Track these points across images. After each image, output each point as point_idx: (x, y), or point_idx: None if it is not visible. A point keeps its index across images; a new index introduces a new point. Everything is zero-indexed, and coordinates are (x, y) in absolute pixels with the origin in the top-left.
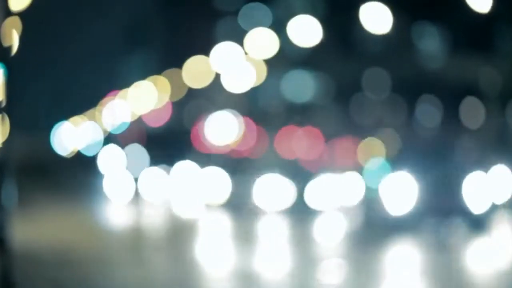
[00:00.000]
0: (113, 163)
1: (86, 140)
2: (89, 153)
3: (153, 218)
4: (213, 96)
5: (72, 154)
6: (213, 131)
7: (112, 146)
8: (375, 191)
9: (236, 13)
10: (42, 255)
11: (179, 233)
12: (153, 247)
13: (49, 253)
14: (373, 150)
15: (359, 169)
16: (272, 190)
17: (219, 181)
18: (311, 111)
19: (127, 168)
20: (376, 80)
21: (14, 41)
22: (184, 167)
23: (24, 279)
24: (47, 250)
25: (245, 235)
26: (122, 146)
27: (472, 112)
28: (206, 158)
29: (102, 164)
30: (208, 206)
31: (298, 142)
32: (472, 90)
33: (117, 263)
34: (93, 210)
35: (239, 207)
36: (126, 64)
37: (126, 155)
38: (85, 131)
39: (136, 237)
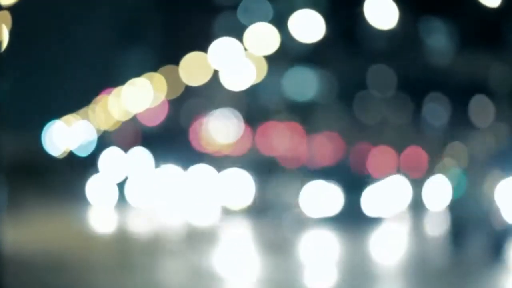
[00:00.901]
0: (115, 167)
1: (79, 140)
2: (82, 154)
3: (148, 222)
4: (211, 94)
5: (65, 155)
6: (211, 130)
7: (113, 149)
8: (462, 195)
9: (235, 7)
10: (34, 259)
11: (185, 240)
12: (147, 252)
13: (41, 257)
14: (457, 155)
15: (444, 172)
16: (318, 196)
17: (239, 184)
18: (313, 110)
19: (130, 171)
20: (381, 78)
21: (3, 36)
22: (197, 170)
23: (15, 284)
24: (39, 254)
25: (275, 244)
26: (125, 149)
27: (482, 110)
28: (205, 159)
29: (103, 167)
30: (227, 211)
31: (280, 138)
32: (481, 87)
33: (110, 268)
34: (86, 214)
35: (267, 212)
36: (120, 60)
37: (130, 158)
38: (78, 130)
39: (129, 242)
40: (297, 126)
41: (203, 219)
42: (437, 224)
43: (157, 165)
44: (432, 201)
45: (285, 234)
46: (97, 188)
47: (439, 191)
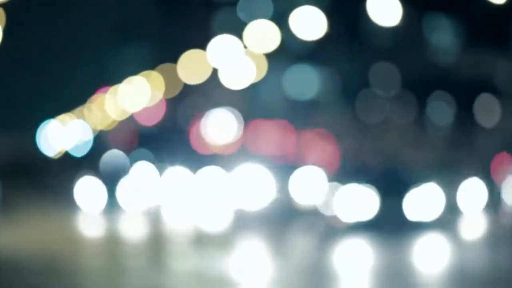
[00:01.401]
0: (115, 168)
1: (74, 140)
2: (77, 154)
3: (149, 226)
4: (210, 93)
5: (60, 155)
6: (210, 130)
7: (114, 151)
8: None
9: (235, 4)
10: (27, 262)
11: (188, 243)
12: (140, 255)
13: (35, 260)
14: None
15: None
16: (352, 199)
17: (255, 183)
18: (314, 109)
19: (131, 173)
20: (385, 76)
21: None
22: (206, 171)
23: (7, 287)
24: (32, 257)
25: (300, 251)
26: (125, 150)
27: (487, 109)
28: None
29: (102, 169)
30: (242, 213)
31: (269, 136)
32: (487, 86)
33: (104, 272)
34: (82, 216)
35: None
36: (117, 58)
37: (132, 161)
38: (73, 130)
39: (127, 246)
40: (289, 125)
41: (213, 223)
42: (479, 230)
43: (158, 166)
44: (469, 205)
45: (313, 240)
46: (92, 190)
47: (475, 194)
